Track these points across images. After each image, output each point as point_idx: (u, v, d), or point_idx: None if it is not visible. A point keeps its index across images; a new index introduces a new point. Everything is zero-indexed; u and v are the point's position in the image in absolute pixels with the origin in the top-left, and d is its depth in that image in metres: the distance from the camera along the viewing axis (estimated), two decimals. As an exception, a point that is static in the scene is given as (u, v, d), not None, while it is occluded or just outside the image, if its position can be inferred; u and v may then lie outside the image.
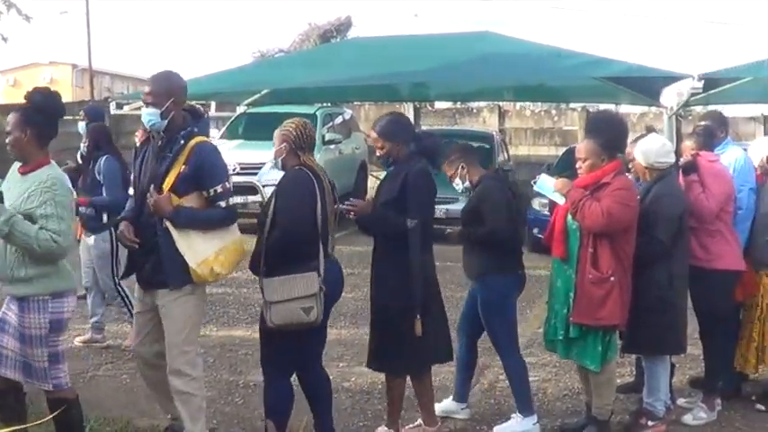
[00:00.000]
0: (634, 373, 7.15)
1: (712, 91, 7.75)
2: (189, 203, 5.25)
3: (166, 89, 5.32)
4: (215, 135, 17.51)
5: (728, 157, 6.87)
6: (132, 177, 5.70)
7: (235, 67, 9.71)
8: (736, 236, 6.54)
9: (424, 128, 20.79)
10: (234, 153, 15.91)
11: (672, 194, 6.11)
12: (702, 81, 7.14)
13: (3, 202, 4.88)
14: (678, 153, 6.68)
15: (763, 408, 6.76)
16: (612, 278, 5.75)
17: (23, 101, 5.08)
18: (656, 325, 6.04)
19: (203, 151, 5.28)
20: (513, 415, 6.34)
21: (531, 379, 6.50)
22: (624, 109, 19.79)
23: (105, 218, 7.91)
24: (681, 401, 6.82)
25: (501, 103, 22.66)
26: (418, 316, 5.62)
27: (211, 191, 5.26)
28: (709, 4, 73.78)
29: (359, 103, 20.51)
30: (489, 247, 6.17)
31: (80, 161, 8.54)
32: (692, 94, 7.30)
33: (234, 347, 8.43)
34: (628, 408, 6.65)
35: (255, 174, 15.17)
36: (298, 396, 5.77)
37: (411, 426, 6.19)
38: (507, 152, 19.24)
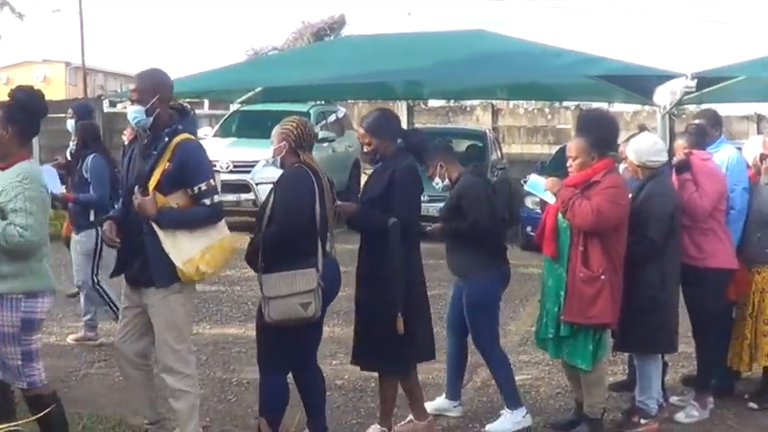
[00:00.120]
0: (627, 371, 7.17)
1: (705, 90, 7.76)
2: (174, 201, 5.24)
3: (152, 86, 5.31)
4: (208, 133, 17.52)
5: (722, 155, 6.88)
6: (120, 176, 5.69)
7: (228, 64, 9.70)
8: (728, 234, 6.56)
9: (417, 126, 20.81)
10: (227, 151, 15.93)
11: (664, 193, 6.12)
12: (696, 80, 7.14)
13: None
14: (671, 152, 6.70)
15: (755, 406, 6.78)
16: (603, 276, 5.75)
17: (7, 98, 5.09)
18: (649, 324, 6.06)
19: (187, 148, 5.26)
20: (503, 411, 6.35)
21: (523, 377, 6.51)
22: (617, 107, 19.74)
23: (92, 215, 7.90)
24: (673, 399, 6.84)
25: (494, 102, 22.61)
26: (400, 314, 5.62)
27: (196, 188, 5.23)
28: (703, 3, 73.94)
29: (352, 101, 20.46)
30: (472, 244, 6.18)
31: (69, 159, 8.55)
32: (686, 93, 7.30)
33: (227, 345, 8.43)
34: (620, 406, 6.66)
35: (249, 172, 15.21)
36: (291, 392, 5.77)
37: (403, 422, 6.19)
38: (500, 150, 19.23)
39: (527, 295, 10.12)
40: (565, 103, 22.64)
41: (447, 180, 6.39)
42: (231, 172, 15.35)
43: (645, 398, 6.24)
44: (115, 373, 7.44)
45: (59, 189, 8.05)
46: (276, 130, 5.61)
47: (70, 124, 8.63)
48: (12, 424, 3.88)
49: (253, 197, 15.11)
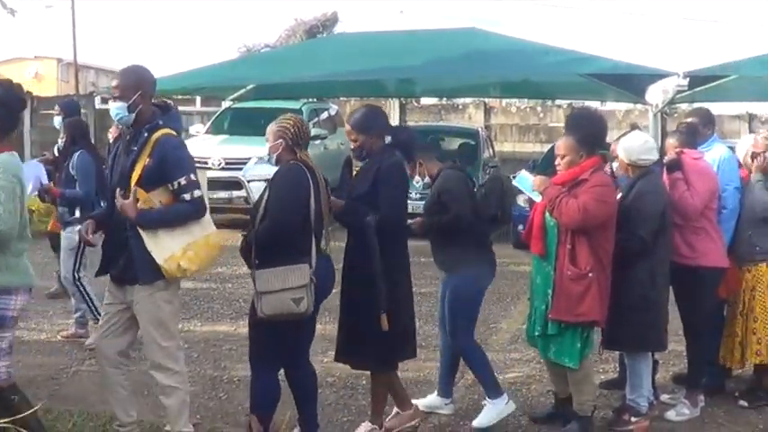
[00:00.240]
0: (618, 369, 7.18)
1: (697, 88, 7.78)
2: (157, 198, 5.21)
3: (134, 82, 5.29)
4: (200, 130, 17.50)
5: (714, 154, 6.89)
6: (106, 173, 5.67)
7: (221, 62, 9.69)
8: (720, 233, 6.57)
9: (410, 123, 20.82)
10: (219, 148, 15.91)
11: (654, 192, 6.12)
12: (688, 79, 7.16)
13: None
14: (662, 151, 6.70)
15: (746, 404, 6.79)
16: (591, 274, 5.75)
17: None
18: (639, 323, 6.06)
19: (167, 144, 5.23)
20: (484, 402, 6.35)
21: (514, 375, 6.51)
22: (610, 106, 19.84)
23: (78, 212, 7.90)
24: (664, 397, 6.85)
25: (487, 100, 22.66)
26: (383, 312, 5.61)
27: (175, 183, 5.20)
28: (696, 2, 74.02)
29: (345, 98, 20.46)
30: (456, 238, 6.17)
31: (56, 155, 8.57)
32: (678, 92, 7.32)
33: (218, 342, 8.42)
34: (611, 404, 6.67)
35: (240, 169, 15.20)
36: (283, 390, 5.76)
37: (390, 417, 6.19)
38: (493, 148, 19.26)
39: (518, 293, 10.12)
40: (557, 102, 22.73)
41: (427, 178, 6.39)
42: (223, 169, 15.34)
43: (635, 396, 6.25)
44: (106, 370, 7.44)
45: (47, 183, 8.08)
46: (272, 128, 5.60)
47: (57, 121, 8.67)
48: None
49: (245, 194, 15.09)
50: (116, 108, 5.27)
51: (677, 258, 6.33)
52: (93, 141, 9.05)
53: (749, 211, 6.65)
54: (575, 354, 5.89)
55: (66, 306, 9.12)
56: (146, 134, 5.23)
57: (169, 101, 5.89)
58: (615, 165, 6.57)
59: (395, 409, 6.20)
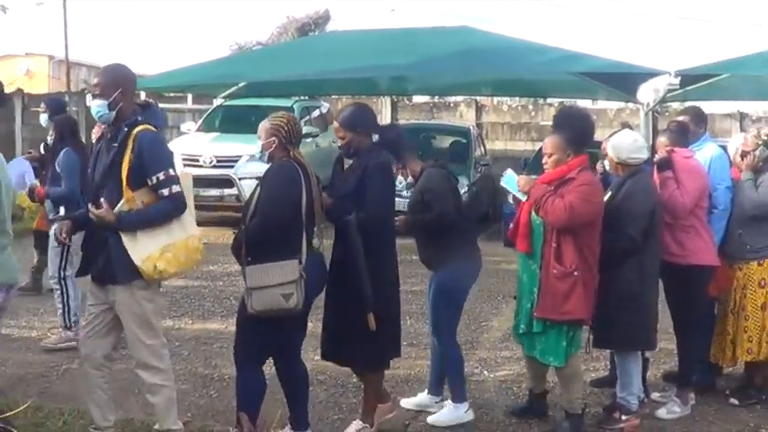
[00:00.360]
0: (608, 367, 7.18)
1: (689, 87, 7.77)
2: (140, 198, 5.18)
3: (114, 80, 5.28)
4: (192, 128, 17.46)
5: (705, 153, 6.89)
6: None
7: (212, 59, 9.66)
8: (710, 232, 6.58)
9: (401, 121, 20.78)
10: (210, 146, 15.88)
11: (644, 190, 6.13)
12: (679, 77, 7.16)
13: None
14: (654, 149, 6.71)
15: (736, 402, 6.81)
16: (576, 273, 5.76)
17: None
18: (628, 322, 6.06)
19: (144, 139, 5.20)
20: (446, 402, 6.39)
21: (505, 373, 6.50)
22: (601, 105, 19.84)
23: (63, 210, 7.88)
24: (655, 396, 6.86)
25: (478, 98, 22.59)
26: (370, 311, 5.60)
27: (153, 178, 5.16)
28: (688, 1, 74.13)
29: (336, 96, 20.40)
30: (441, 236, 6.17)
31: (43, 152, 8.56)
32: (669, 91, 7.31)
33: (209, 340, 8.41)
34: (602, 402, 6.68)
35: (232, 167, 15.19)
36: (273, 388, 5.76)
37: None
38: (484, 147, 19.25)
39: (509, 291, 10.07)
40: (548, 100, 22.72)
41: (410, 178, 6.39)
42: (214, 167, 15.32)
43: (626, 394, 6.25)
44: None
45: (33, 180, 8.08)
46: (265, 125, 5.59)
47: (44, 119, 8.70)
48: None
49: (236, 192, 15.06)
50: (97, 106, 5.26)
51: (667, 257, 6.34)
52: (84, 139, 9.04)
53: (739, 210, 6.66)
54: (560, 352, 5.90)
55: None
56: (125, 129, 5.21)
57: (152, 100, 5.88)
58: (607, 163, 6.57)
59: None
